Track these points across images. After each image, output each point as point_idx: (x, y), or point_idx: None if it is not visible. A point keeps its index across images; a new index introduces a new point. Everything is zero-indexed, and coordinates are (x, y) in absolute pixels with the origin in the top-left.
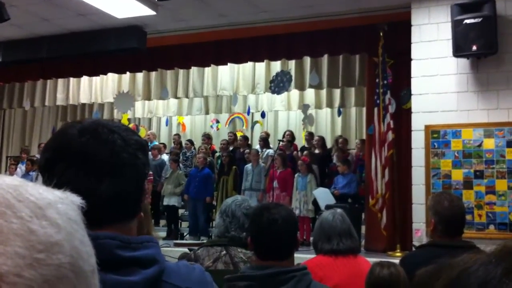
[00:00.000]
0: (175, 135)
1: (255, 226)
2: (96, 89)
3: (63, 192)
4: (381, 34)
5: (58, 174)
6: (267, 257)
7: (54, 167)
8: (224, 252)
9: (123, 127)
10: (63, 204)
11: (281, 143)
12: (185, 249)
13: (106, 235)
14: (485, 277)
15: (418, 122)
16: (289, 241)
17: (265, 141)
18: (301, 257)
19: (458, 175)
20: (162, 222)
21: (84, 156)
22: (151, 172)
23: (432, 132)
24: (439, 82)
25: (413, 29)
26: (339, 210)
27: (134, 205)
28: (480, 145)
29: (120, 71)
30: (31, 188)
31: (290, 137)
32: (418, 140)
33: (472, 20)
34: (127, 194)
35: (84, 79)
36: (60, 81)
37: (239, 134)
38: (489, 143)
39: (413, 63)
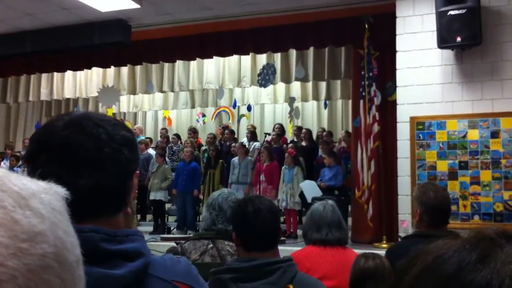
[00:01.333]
0: (162, 129)
1: (240, 217)
2: (80, 84)
3: (48, 183)
4: (366, 26)
5: (40, 166)
6: (252, 248)
7: (37, 159)
8: (211, 245)
9: (112, 122)
10: (47, 195)
11: (269, 136)
12: (172, 243)
13: (91, 228)
14: (459, 263)
15: (403, 114)
16: (273, 231)
17: (252, 134)
18: (288, 249)
19: (443, 166)
20: (149, 216)
21: (65, 148)
22: None
23: (417, 124)
24: (424, 73)
25: (397, 21)
26: (330, 201)
27: (118, 200)
28: (464, 136)
29: (104, 65)
30: (14, 179)
31: (279, 130)
32: (403, 132)
33: (456, 12)
34: (108, 188)
35: (68, 73)
36: (44, 76)
37: (229, 128)
38: (474, 134)
39: (398, 55)
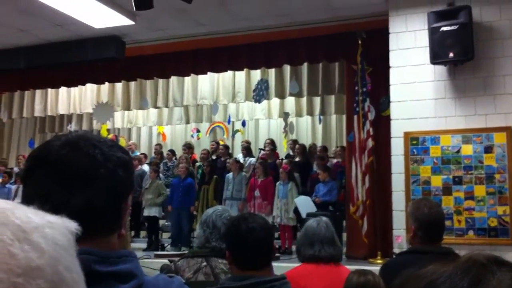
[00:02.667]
0: (156, 145)
1: (234, 236)
2: (74, 100)
3: (58, 217)
4: (359, 42)
5: (35, 184)
6: (246, 267)
7: (32, 175)
8: (205, 263)
9: (109, 143)
10: (51, 229)
11: (262, 151)
12: (166, 260)
13: (83, 250)
14: None
15: (397, 129)
16: (267, 250)
17: (247, 150)
18: (283, 266)
19: (437, 181)
20: (143, 233)
21: (60, 167)
22: None
23: (411, 139)
24: (417, 89)
25: (391, 36)
26: (324, 218)
27: (112, 221)
28: (458, 151)
29: (98, 81)
30: (19, 211)
31: (271, 145)
32: (397, 147)
33: (448, 28)
34: (100, 209)
35: (62, 90)
36: (38, 92)
37: (221, 143)
38: (467, 149)
39: (391, 70)
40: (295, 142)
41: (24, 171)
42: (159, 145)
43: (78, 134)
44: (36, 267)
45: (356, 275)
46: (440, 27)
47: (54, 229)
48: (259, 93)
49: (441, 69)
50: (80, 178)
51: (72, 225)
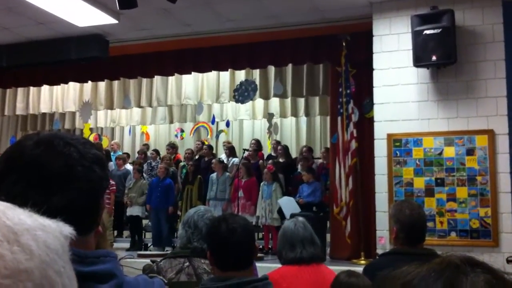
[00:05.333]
0: (143, 144)
1: (215, 237)
2: (57, 98)
3: (53, 221)
4: (343, 44)
5: (10, 186)
6: (227, 268)
7: (6, 179)
8: (187, 263)
9: (81, 140)
10: (43, 232)
11: (246, 152)
12: (149, 260)
13: None
14: None
15: (381, 131)
16: (248, 250)
17: (231, 150)
18: (267, 266)
19: (420, 183)
20: (126, 233)
21: (35, 167)
22: (114, 183)
23: (394, 141)
24: (400, 91)
25: (374, 39)
26: (300, 218)
27: (89, 219)
28: (440, 153)
29: (81, 80)
30: (11, 213)
31: (255, 145)
32: (380, 149)
33: (431, 31)
34: (80, 208)
35: (45, 88)
36: (20, 90)
37: (205, 143)
38: (450, 151)
39: (375, 72)
40: (278, 143)
41: None
42: (146, 145)
43: (50, 133)
44: (24, 270)
45: (346, 274)
46: (423, 30)
47: (46, 232)
48: (243, 94)
49: (424, 72)
50: (57, 177)
51: (66, 229)
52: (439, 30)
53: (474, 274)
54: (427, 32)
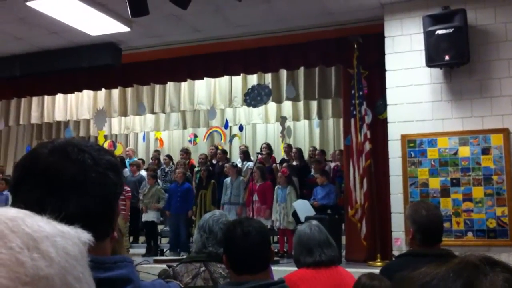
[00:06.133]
0: (155, 151)
1: (230, 241)
2: (71, 107)
3: (71, 227)
4: (355, 46)
5: (26, 193)
6: (243, 271)
7: (22, 186)
8: (203, 268)
9: (95, 147)
10: (62, 238)
11: (260, 155)
12: (165, 266)
13: None
14: None
15: (394, 132)
16: (263, 253)
17: (245, 154)
18: (283, 269)
19: (435, 183)
20: (142, 238)
21: (51, 175)
22: (129, 189)
23: (408, 142)
24: (413, 92)
25: (386, 40)
26: (314, 221)
27: (105, 225)
28: (455, 153)
29: (95, 87)
30: (30, 220)
31: (267, 149)
32: (394, 150)
33: (443, 31)
34: (95, 214)
35: (59, 96)
36: (35, 99)
37: (219, 148)
38: (465, 151)
39: (387, 74)
40: (289, 146)
41: (13, 181)
42: (157, 151)
43: (64, 141)
44: (45, 276)
45: (368, 277)
46: (436, 30)
47: (65, 238)
48: (256, 98)
49: (437, 72)
50: (72, 184)
51: (84, 236)
52: (451, 30)
53: (493, 273)
54: (439, 32)
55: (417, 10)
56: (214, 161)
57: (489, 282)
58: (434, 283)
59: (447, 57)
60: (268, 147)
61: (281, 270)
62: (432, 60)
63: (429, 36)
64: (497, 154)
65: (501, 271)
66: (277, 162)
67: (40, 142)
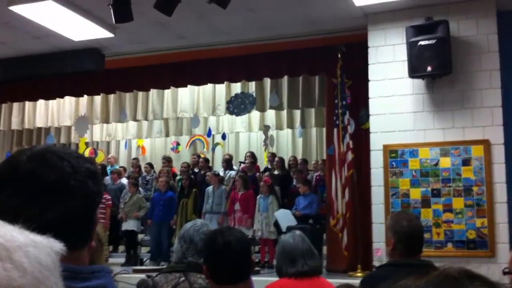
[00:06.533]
0: (133, 159)
1: (210, 250)
2: (52, 113)
3: (44, 237)
4: (339, 55)
5: (3, 201)
6: (223, 281)
7: (0, 193)
8: (183, 278)
9: (74, 155)
10: (35, 248)
11: (242, 164)
12: (144, 275)
13: None
14: None
15: (377, 142)
16: (244, 263)
17: (228, 163)
18: (264, 280)
19: (416, 193)
20: (121, 247)
21: (29, 182)
22: (109, 197)
23: (390, 152)
24: (396, 102)
25: (370, 50)
26: (297, 231)
27: (83, 234)
28: (436, 164)
29: (77, 94)
30: (3, 230)
31: (251, 158)
32: (376, 160)
33: (426, 42)
34: (74, 222)
35: (40, 102)
36: (15, 105)
37: (202, 156)
38: (445, 162)
39: (370, 84)
40: (273, 155)
41: None
42: (136, 159)
43: (43, 148)
44: (18, 287)
45: None
46: (418, 41)
47: (38, 248)
48: (239, 106)
49: (419, 82)
50: (51, 192)
51: (57, 245)
52: (434, 41)
53: (472, 287)
54: (422, 43)
55: (400, 20)
56: (196, 170)
57: None
58: None
59: (429, 68)
60: (252, 155)
61: (262, 280)
62: (414, 70)
63: (412, 47)
64: (477, 165)
65: (480, 284)
66: (261, 171)
67: (18, 149)
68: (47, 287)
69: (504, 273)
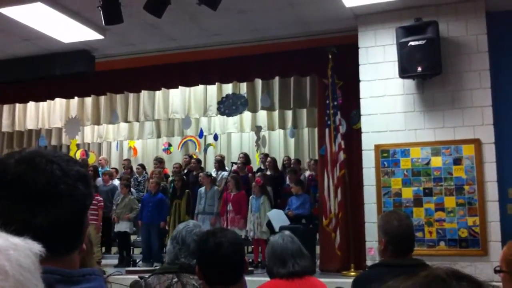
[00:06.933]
0: (124, 160)
1: (202, 252)
2: (43, 115)
3: (22, 239)
4: (330, 56)
5: None
6: (216, 283)
7: None
8: (176, 279)
9: (64, 158)
10: (15, 251)
11: (235, 165)
12: (137, 277)
13: (46, 269)
14: None
15: (368, 142)
16: (237, 264)
17: (220, 164)
18: (258, 280)
19: (408, 193)
20: (114, 249)
21: (19, 185)
22: (101, 198)
23: (382, 152)
24: (387, 102)
25: (360, 51)
26: (286, 232)
27: (74, 237)
28: (428, 163)
29: (68, 95)
30: None
31: (244, 159)
32: (368, 160)
33: (416, 42)
34: (65, 226)
35: (31, 104)
36: (6, 107)
37: (194, 157)
38: (437, 161)
39: (361, 84)
40: (266, 156)
41: None
42: (127, 160)
43: (32, 151)
44: None
45: None
46: (408, 42)
47: (18, 251)
48: (231, 107)
49: (410, 83)
50: (40, 196)
51: (36, 247)
52: (423, 42)
53: (459, 287)
54: (412, 43)
55: (390, 21)
56: (185, 171)
57: None
58: None
59: (419, 68)
60: (245, 156)
61: (256, 280)
62: (405, 71)
63: (402, 47)
64: (468, 164)
65: (467, 285)
66: (253, 171)
67: (7, 152)
68: None
69: (496, 271)
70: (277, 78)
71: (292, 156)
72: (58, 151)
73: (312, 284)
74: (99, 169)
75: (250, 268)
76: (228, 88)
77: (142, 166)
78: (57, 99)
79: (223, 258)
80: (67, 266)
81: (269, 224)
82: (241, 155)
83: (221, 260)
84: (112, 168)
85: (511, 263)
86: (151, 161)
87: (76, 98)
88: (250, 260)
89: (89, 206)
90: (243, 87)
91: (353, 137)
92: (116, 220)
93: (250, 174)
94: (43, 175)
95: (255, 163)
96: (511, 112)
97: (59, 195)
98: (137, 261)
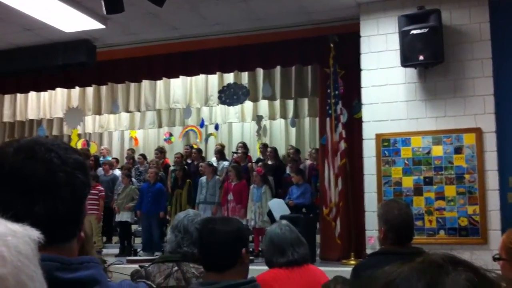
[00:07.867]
0: (128, 149)
1: (199, 238)
2: (44, 105)
3: (21, 226)
4: (331, 45)
5: None
6: (211, 268)
7: None
8: (176, 268)
9: (62, 146)
10: (14, 237)
11: (235, 155)
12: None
13: (44, 257)
14: None
15: (369, 131)
16: (228, 252)
17: (220, 154)
18: (259, 268)
19: (408, 182)
20: (115, 238)
21: (17, 175)
22: (102, 188)
23: (383, 141)
24: (388, 91)
25: (362, 40)
26: (284, 221)
27: (73, 225)
28: (429, 152)
29: (69, 85)
30: None
31: (243, 148)
32: (369, 149)
33: (418, 31)
34: (64, 214)
35: (32, 94)
36: (7, 97)
37: (195, 147)
38: (438, 150)
39: (363, 73)
40: (265, 146)
41: None
42: (131, 149)
43: (30, 139)
44: None
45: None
46: (410, 30)
47: (17, 237)
48: (232, 97)
49: (412, 71)
50: (39, 185)
51: (34, 234)
52: (426, 30)
53: (455, 273)
54: (414, 32)
55: (392, 10)
56: (189, 161)
57: (452, 281)
58: (398, 282)
59: (421, 57)
60: (244, 146)
61: (257, 269)
62: (407, 59)
63: (404, 36)
64: (469, 154)
65: (464, 270)
66: (253, 161)
67: (6, 141)
68: (27, 275)
69: (495, 259)
70: (278, 68)
71: (294, 145)
72: (56, 140)
73: (311, 271)
74: (100, 159)
75: (250, 257)
76: (229, 78)
77: (144, 156)
78: (58, 89)
79: (213, 244)
80: (66, 253)
81: (270, 214)
82: (240, 144)
83: (211, 246)
84: (113, 158)
85: (511, 251)
86: (152, 151)
87: (77, 88)
88: (251, 249)
89: (88, 194)
90: (244, 77)
91: (354, 126)
92: (117, 210)
93: (250, 164)
94: (42, 164)
95: (256, 153)
96: None
97: (57, 183)
98: (138, 250)
